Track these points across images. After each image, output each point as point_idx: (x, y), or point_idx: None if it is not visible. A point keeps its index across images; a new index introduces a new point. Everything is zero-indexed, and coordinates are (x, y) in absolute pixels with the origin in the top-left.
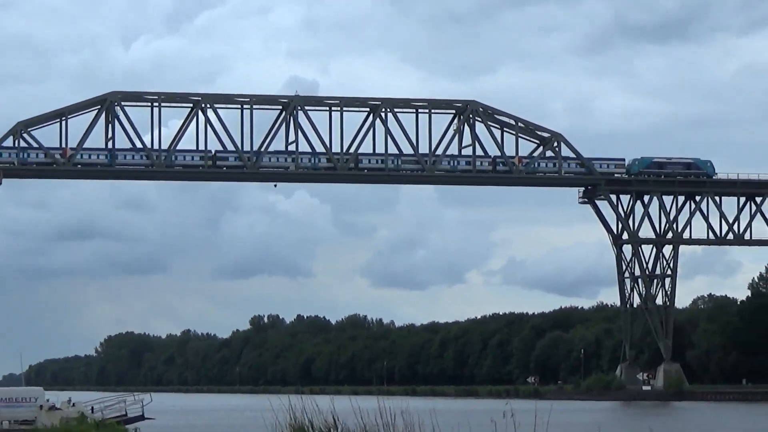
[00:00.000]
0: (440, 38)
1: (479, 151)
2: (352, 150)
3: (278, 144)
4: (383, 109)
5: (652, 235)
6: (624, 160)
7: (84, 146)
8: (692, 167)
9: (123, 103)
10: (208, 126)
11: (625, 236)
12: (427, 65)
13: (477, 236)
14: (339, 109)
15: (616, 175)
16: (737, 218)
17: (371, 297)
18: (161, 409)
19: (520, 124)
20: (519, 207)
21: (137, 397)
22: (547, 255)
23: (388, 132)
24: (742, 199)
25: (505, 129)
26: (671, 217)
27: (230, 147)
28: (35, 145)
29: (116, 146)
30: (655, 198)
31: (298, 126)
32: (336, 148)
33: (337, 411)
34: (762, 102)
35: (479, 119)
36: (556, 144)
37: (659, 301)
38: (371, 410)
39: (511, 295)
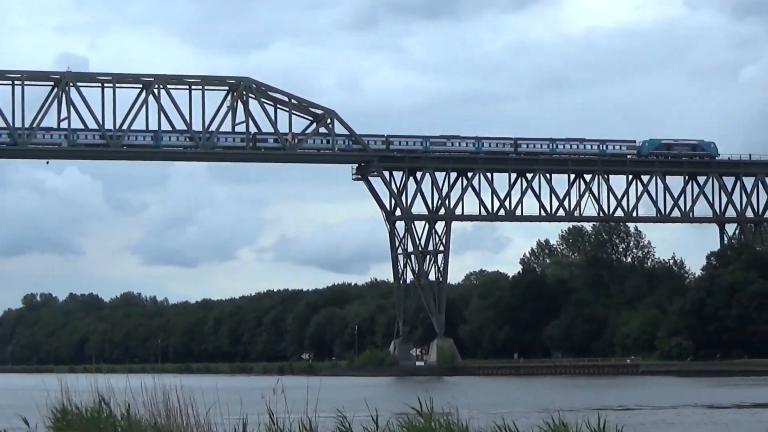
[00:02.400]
0: (210, 13)
1: (252, 128)
2: (124, 126)
3: (50, 121)
4: (156, 86)
5: (425, 212)
6: (635, 141)
7: None
8: (697, 148)
9: None
10: None
11: (398, 212)
12: (198, 40)
13: (249, 213)
14: (111, 85)
15: (415, 154)
16: (508, 194)
17: (143, 274)
18: None
19: (293, 100)
20: (292, 184)
21: None
22: (319, 231)
23: (161, 108)
24: (513, 175)
25: (278, 106)
26: (443, 194)
27: (1, 124)
28: None
29: None
30: (427, 174)
31: (70, 102)
32: (108, 125)
33: (110, 389)
34: (529, 78)
35: (252, 96)
36: (329, 120)
37: (432, 277)
38: (145, 389)
39: (284, 272)
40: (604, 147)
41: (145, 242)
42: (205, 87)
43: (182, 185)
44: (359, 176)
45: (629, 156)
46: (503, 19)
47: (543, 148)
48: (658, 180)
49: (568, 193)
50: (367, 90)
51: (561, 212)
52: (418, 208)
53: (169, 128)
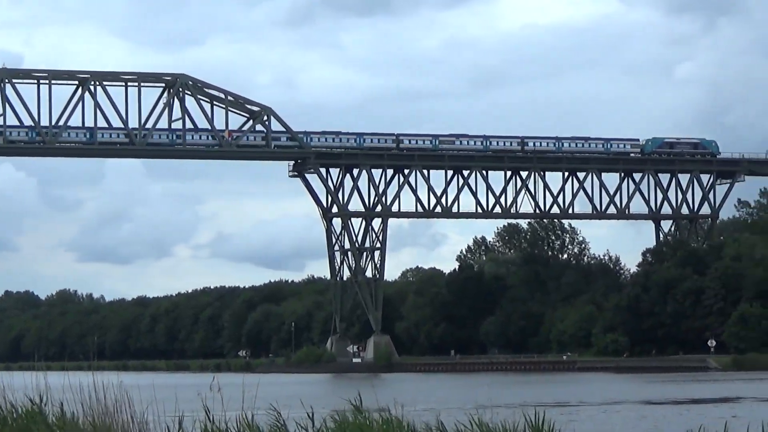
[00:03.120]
0: (145, 9)
1: (189, 125)
2: (60, 123)
3: None
4: (92, 82)
5: (362, 209)
6: (639, 139)
7: None
8: (699, 147)
9: None
10: None
11: (334, 210)
12: (134, 37)
13: (184, 210)
14: (47, 81)
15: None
16: (445, 191)
17: (79, 271)
18: None
19: (229, 97)
20: (228, 181)
21: None
22: (255, 228)
23: (97, 105)
24: (450, 172)
25: (214, 102)
26: (380, 191)
27: None
28: None
29: None
30: (364, 171)
31: (5, 99)
32: (44, 122)
33: (46, 387)
34: (465, 75)
35: (189, 93)
36: (265, 117)
37: (369, 273)
38: (81, 386)
39: (221, 269)
40: (608, 145)
41: (80, 239)
42: (141, 83)
43: (117, 182)
44: (296, 173)
45: (632, 154)
46: (438, 16)
47: (549, 146)
48: (594, 177)
49: (504, 190)
50: (303, 87)
51: (497, 209)
52: (355, 205)
53: (105, 125)
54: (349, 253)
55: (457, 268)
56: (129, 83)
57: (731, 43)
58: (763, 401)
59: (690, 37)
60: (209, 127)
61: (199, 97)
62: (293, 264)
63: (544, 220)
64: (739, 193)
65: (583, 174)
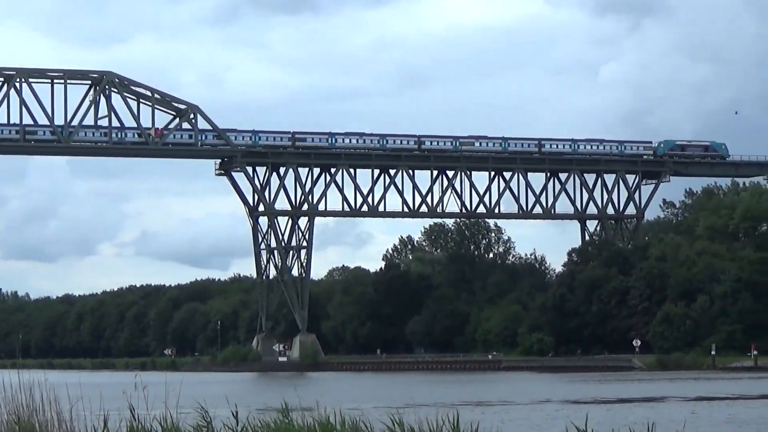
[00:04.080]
0: (71, 6)
1: (115, 122)
2: None
3: None
4: (17, 79)
5: (288, 207)
6: (651, 142)
7: None
8: (709, 149)
9: None
10: None
11: (261, 208)
12: (60, 34)
13: (109, 208)
14: None
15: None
16: (371, 190)
17: (3, 269)
18: None
19: (156, 95)
20: (154, 179)
21: None
22: (180, 227)
23: (22, 102)
24: (377, 171)
25: (141, 100)
26: (306, 189)
27: None
28: None
29: None
30: (291, 170)
31: None
32: None
33: None
34: (392, 74)
35: (115, 90)
36: (192, 115)
37: (295, 272)
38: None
39: (146, 267)
40: (623, 148)
41: (4, 237)
42: (68, 81)
43: (42, 179)
44: (222, 171)
45: (645, 156)
46: (365, 15)
47: (566, 149)
48: (520, 177)
49: (430, 190)
50: (229, 85)
51: (424, 208)
52: (281, 203)
53: (31, 122)
54: (276, 251)
55: (383, 267)
56: (55, 80)
57: (656, 44)
58: (687, 401)
59: (615, 38)
60: (136, 125)
61: (125, 94)
62: (219, 263)
63: (471, 220)
64: (665, 194)
65: (510, 174)
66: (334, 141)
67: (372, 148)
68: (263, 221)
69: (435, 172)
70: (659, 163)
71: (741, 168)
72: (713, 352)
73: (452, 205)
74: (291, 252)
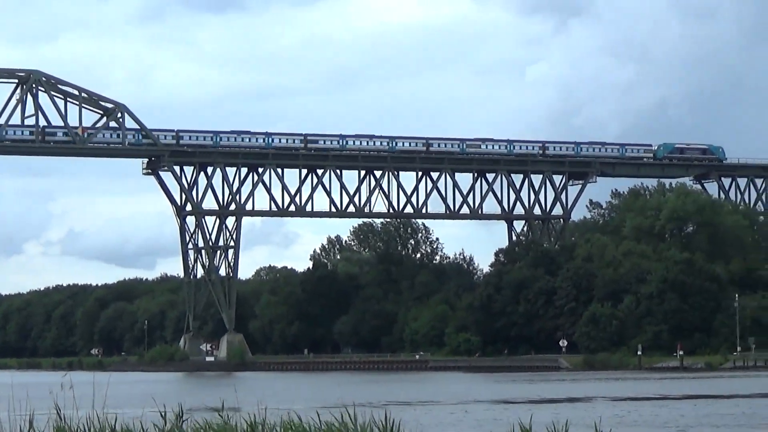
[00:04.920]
0: None
1: (42, 121)
2: None
3: None
4: None
5: (216, 207)
6: (651, 145)
7: None
8: (707, 152)
9: None
10: None
11: (188, 207)
12: None
13: (35, 207)
14: None
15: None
16: (299, 190)
17: None
18: None
19: (83, 94)
20: (80, 177)
21: None
22: (107, 226)
23: None
24: (304, 171)
25: (68, 99)
26: (234, 189)
27: None
28: None
29: None
30: (218, 169)
31: None
32: None
33: None
34: (321, 73)
35: (42, 89)
36: (119, 114)
37: (222, 272)
38: None
39: (72, 266)
40: (623, 150)
41: None
42: None
43: None
44: (149, 171)
45: (647, 158)
46: (292, 14)
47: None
48: (447, 177)
49: (358, 190)
50: (157, 84)
51: (351, 208)
52: (209, 203)
53: None
54: (203, 251)
55: (310, 267)
56: None
57: (582, 45)
58: (614, 401)
59: (542, 38)
60: (63, 124)
61: (52, 93)
62: (146, 262)
63: (399, 220)
64: (591, 194)
65: (437, 174)
66: (270, 141)
67: (297, 147)
68: (191, 221)
69: (363, 172)
70: (586, 163)
71: (667, 169)
72: (639, 352)
73: (380, 205)
74: (218, 251)
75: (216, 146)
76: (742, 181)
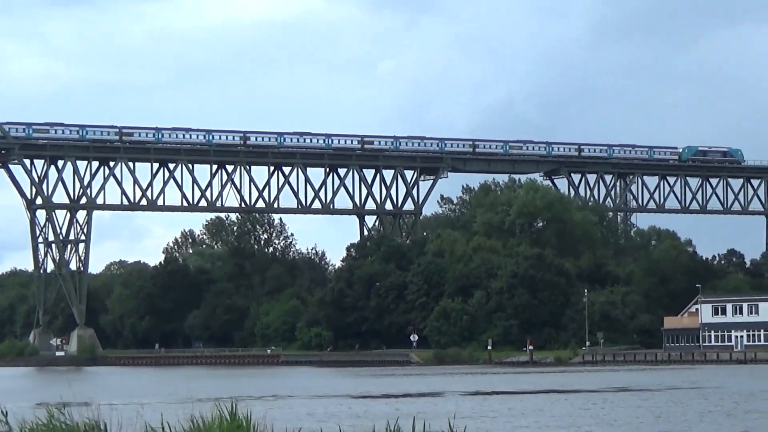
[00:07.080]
0: None
1: None
2: None
3: None
4: None
5: (66, 200)
6: (677, 147)
7: None
8: (727, 155)
9: None
10: None
11: (39, 201)
12: None
13: None
14: None
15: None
16: (150, 184)
17: None
18: None
19: None
20: None
21: None
22: None
23: None
24: (156, 165)
25: None
26: (85, 183)
27: None
28: None
29: None
30: (69, 163)
31: None
32: None
33: None
34: (170, 68)
35: None
36: None
37: (73, 266)
38: None
39: None
40: (651, 152)
41: None
42: None
43: None
44: None
45: (672, 161)
46: (141, 8)
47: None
48: (299, 171)
49: (210, 184)
50: (5, 77)
51: (203, 203)
52: (60, 197)
53: None
54: (53, 245)
55: (162, 261)
56: None
57: (432, 41)
58: (463, 395)
59: (392, 34)
60: None
61: None
62: None
63: (252, 214)
64: (442, 190)
65: (289, 169)
66: (121, 135)
67: (148, 141)
68: (41, 214)
69: (215, 167)
70: (437, 159)
71: (518, 165)
72: (490, 347)
73: (231, 199)
74: (69, 245)
75: (67, 139)
76: (592, 178)
